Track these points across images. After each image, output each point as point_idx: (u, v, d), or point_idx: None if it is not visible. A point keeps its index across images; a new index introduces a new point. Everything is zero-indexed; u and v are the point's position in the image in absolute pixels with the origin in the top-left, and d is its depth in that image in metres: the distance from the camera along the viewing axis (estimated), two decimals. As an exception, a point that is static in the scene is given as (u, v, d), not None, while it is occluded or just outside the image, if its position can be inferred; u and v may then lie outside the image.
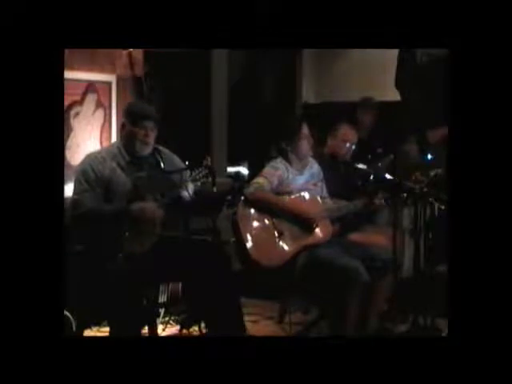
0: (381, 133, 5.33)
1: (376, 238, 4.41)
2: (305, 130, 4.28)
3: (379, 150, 4.79)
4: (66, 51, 2.94)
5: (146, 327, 3.96)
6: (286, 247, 4.11)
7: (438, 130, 5.00)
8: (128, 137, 3.85)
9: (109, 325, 3.96)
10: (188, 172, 3.87)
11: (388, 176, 4.29)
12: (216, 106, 5.99)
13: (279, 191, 4.19)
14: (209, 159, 3.88)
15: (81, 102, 4.65)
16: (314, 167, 4.41)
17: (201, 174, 3.85)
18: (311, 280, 4.09)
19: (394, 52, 5.67)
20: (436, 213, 4.61)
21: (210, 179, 3.87)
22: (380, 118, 5.58)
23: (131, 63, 4.89)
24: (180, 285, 4.36)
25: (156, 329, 4.07)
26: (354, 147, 4.62)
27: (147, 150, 3.87)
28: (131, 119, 3.84)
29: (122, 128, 3.93)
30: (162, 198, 3.81)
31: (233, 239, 4.15)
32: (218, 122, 6.02)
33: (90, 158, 3.88)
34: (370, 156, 4.90)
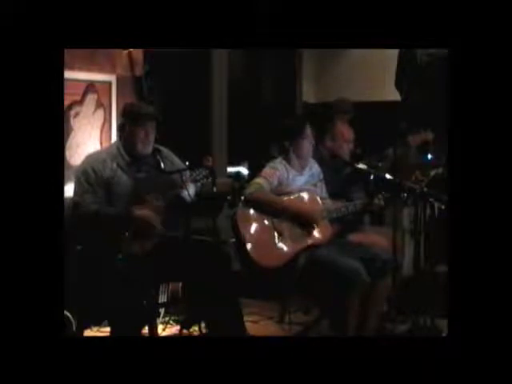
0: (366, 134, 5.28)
1: (376, 238, 4.41)
2: (307, 130, 4.29)
3: (359, 150, 4.78)
4: (66, 51, 2.94)
5: (146, 327, 3.96)
6: (285, 248, 4.11)
7: (419, 134, 5.02)
8: (128, 137, 3.86)
9: (109, 325, 3.96)
10: (188, 172, 3.88)
11: (388, 176, 4.29)
12: (216, 106, 5.98)
13: (279, 191, 4.19)
14: (210, 159, 3.88)
15: (81, 102, 4.65)
16: (314, 168, 4.40)
17: (201, 175, 3.86)
18: (311, 280, 4.08)
19: (394, 52, 5.68)
20: (436, 213, 4.61)
21: (210, 179, 3.88)
22: (380, 118, 5.58)
23: (131, 63, 4.89)
24: (180, 285, 4.37)
25: (156, 329, 4.07)
26: (351, 146, 4.63)
27: (148, 150, 3.88)
28: (131, 119, 3.85)
29: (121, 128, 3.94)
30: (162, 198, 3.81)
31: (233, 239, 4.15)
32: (218, 122, 6.01)
33: (91, 159, 3.89)
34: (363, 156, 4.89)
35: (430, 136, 5.02)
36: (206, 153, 5.41)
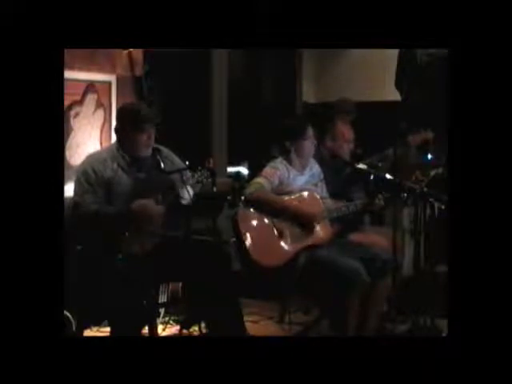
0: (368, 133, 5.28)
1: (376, 238, 4.41)
2: (310, 130, 4.29)
3: (359, 150, 4.78)
4: (66, 51, 2.93)
5: (146, 327, 3.96)
6: (286, 247, 4.11)
7: (419, 133, 5.02)
8: (129, 141, 3.84)
9: (109, 325, 3.96)
10: (189, 174, 3.87)
11: (388, 176, 4.29)
12: (216, 106, 5.98)
13: (280, 191, 4.19)
14: (211, 161, 3.88)
15: (81, 102, 4.64)
16: (314, 168, 4.41)
17: (203, 176, 3.85)
18: (311, 280, 4.08)
19: (395, 52, 5.68)
20: (436, 213, 4.61)
21: (210, 180, 3.88)
22: (380, 118, 5.58)
23: (131, 63, 4.89)
24: (180, 285, 4.37)
25: (156, 329, 4.07)
26: (351, 146, 4.63)
27: (149, 152, 3.88)
28: (130, 123, 3.83)
29: (119, 131, 3.91)
30: (162, 198, 3.81)
31: (233, 239, 4.15)
32: (218, 122, 6.02)
33: (91, 159, 3.89)
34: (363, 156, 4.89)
35: (430, 135, 5.02)
36: (206, 153, 5.42)
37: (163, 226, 3.86)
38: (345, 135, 4.64)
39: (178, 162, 4.03)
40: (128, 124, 3.84)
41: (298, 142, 4.28)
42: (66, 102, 4.46)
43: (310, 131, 4.30)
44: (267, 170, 4.22)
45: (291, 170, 4.26)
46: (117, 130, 3.94)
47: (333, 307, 4.13)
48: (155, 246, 3.80)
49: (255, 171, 4.46)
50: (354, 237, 4.43)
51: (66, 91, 3.76)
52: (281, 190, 4.20)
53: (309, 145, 4.30)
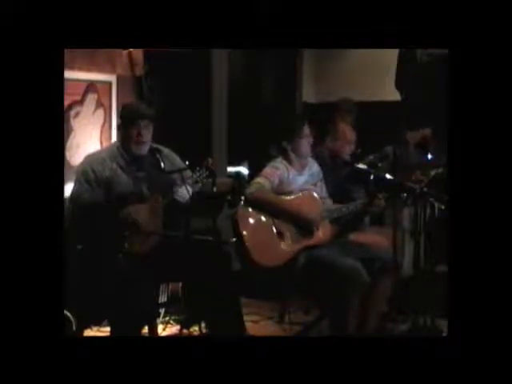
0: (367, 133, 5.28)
1: (376, 238, 4.41)
2: (306, 129, 4.29)
3: (359, 151, 4.78)
4: (66, 51, 2.94)
5: (146, 327, 3.96)
6: (286, 247, 4.11)
7: (418, 131, 5.02)
8: (123, 137, 3.89)
9: (109, 325, 3.96)
10: (189, 173, 3.88)
11: (388, 176, 4.29)
12: (216, 106, 5.98)
13: (280, 191, 4.19)
14: (210, 161, 3.88)
15: (81, 102, 4.65)
16: (313, 167, 4.41)
17: (202, 176, 3.86)
18: (311, 280, 4.08)
19: (394, 52, 5.68)
20: (436, 213, 4.61)
21: (210, 180, 3.88)
22: (380, 118, 5.58)
23: (131, 63, 4.89)
24: (180, 285, 4.37)
25: (156, 329, 4.07)
26: (353, 147, 4.63)
27: (143, 149, 3.88)
28: (124, 120, 3.89)
29: (118, 129, 3.97)
30: (162, 198, 3.81)
31: (233, 239, 4.15)
32: (218, 122, 6.01)
33: (90, 159, 3.90)
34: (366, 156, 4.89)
35: (427, 132, 5.03)
36: (206, 153, 5.41)
37: (163, 225, 3.86)
38: (346, 135, 4.64)
39: (178, 162, 4.03)
40: (121, 119, 3.92)
41: (295, 141, 4.28)
42: (66, 102, 4.47)
43: (307, 130, 4.30)
44: (267, 169, 4.22)
45: (291, 170, 4.26)
46: (116, 128, 4.00)
47: (333, 307, 4.13)
48: (155, 246, 3.80)
49: (255, 171, 4.45)
50: (354, 237, 4.43)
51: (66, 91, 3.76)
52: (281, 189, 4.20)
53: (305, 143, 4.29)
